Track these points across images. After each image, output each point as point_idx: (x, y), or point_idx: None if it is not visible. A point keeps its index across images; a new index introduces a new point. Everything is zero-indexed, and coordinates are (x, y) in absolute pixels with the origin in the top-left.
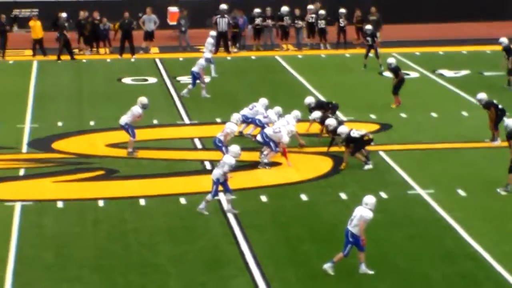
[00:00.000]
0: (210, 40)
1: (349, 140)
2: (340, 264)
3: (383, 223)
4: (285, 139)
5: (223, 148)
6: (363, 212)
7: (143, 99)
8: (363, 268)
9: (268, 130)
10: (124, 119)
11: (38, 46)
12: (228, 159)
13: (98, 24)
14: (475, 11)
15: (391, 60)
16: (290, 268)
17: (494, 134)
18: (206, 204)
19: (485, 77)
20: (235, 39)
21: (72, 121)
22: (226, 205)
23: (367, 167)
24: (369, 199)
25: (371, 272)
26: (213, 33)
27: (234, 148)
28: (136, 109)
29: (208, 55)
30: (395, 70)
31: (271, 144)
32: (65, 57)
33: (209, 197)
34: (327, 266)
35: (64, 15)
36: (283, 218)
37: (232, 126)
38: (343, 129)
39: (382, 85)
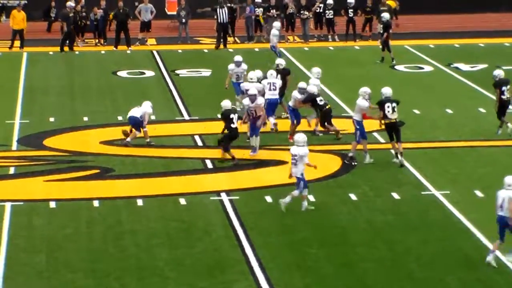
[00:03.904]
0: (274, 32)
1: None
2: (349, 269)
3: (396, 226)
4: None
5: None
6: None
7: (150, 103)
8: None
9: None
10: (138, 113)
11: (19, 37)
12: (303, 150)
13: (76, 15)
14: (493, 1)
15: (281, 61)
16: (297, 273)
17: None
18: (291, 199)
19: (503, 71)
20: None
21: (64, 117)
22: (288, 199)
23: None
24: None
25: None
26: (277, 24)
27: (301, 137)
28: (150, 109)
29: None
30: (286, 73)
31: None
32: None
33: (295, 192)
34: (490, 259)
35: (69, 3)
36: (289, 220)
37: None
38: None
39: (395, 80)
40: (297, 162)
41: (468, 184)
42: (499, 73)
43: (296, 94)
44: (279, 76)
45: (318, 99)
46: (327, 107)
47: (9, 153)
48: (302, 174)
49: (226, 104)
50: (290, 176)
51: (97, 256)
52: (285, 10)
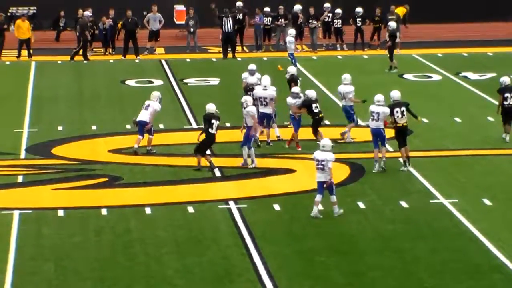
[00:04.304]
0: (290, 39)
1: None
2: (358, 278)
3: (405, 235)
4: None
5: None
6: None
7: (159, 93)
8: None
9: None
10: (146, 116)
11: (25, 47)
12: (330, 156)
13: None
14: (501, 10)
15: (290, 69)
16: (306, 282)
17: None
18: (336, 207)
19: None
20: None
21: (72, 125)
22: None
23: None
24: None
25: None
26: (292, 31)
27: (328, 141)
28: (158, 105)
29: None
30: (291, 80)
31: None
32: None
33: (333, 198)
34: None
35: (87, 13)
36: (297, 228)
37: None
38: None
39: (403, 88)
40: (325, 167)
41: (477, 192)
42: (504, 80)
43: (289, 99)
44: (271, 89)
45: (314, 105)
46: (320, 115)
47: (18, 162)
48: (331, 179)
49: (210, 107)
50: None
51: (106, 264)
52: (297, 20)
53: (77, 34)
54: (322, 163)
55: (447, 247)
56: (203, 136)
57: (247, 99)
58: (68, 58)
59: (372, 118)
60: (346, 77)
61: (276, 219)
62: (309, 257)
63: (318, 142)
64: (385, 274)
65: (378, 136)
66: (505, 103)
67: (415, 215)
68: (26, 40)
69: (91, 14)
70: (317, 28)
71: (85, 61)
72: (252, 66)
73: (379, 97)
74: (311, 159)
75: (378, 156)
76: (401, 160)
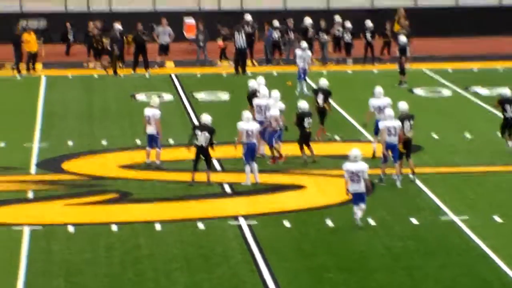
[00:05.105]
0: (298, 53)
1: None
2: None
3: (415, 251)
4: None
5: None
6: None
7: (158, 99)
8: None
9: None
10: (152, 129)
11: (32, 61)
12: (365, 166)
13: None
14: (510, 25)
15: (323, 82)
16: None
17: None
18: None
19: None
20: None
21: (83, 140)
22: (358, 216)
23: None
24: None
25: None
26: (303, 44)
27: (359, 152)
28: (157, 112)
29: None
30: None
31: None
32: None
33: (363, 206)
34: None
35: (118, 26)
36: (307, 245)
37: None
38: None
39: (413, 104)
40: (360, 178)
41: (487, 209)
42: (503, 91)
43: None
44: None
45: (306, 119)
46: (308, 130)
47: (28, 177)
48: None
49: (203, 118)
50: (348, 192)
51: (116, 280)
52: (307, 33)
53: (109, 48)
54: (358, 174)
55: (457, 264)
56: (192, 149)
57: (243, 114)
58: (78, 72)
59: (389, 133)
60: (381, 90)
61: (286, 235)
62: (319, 274)
63: (305, 157)
64: None
65: (393, 151)
66: (506, 114)
67: (425, 232)
68: (35, 54)
69: (122, 28)
70: (327, 42)
71: (95, 75)
72: (261, 80)
73: (391, 112)
74: (321, 175)
75: (384, 170)
76: (411, 176)
